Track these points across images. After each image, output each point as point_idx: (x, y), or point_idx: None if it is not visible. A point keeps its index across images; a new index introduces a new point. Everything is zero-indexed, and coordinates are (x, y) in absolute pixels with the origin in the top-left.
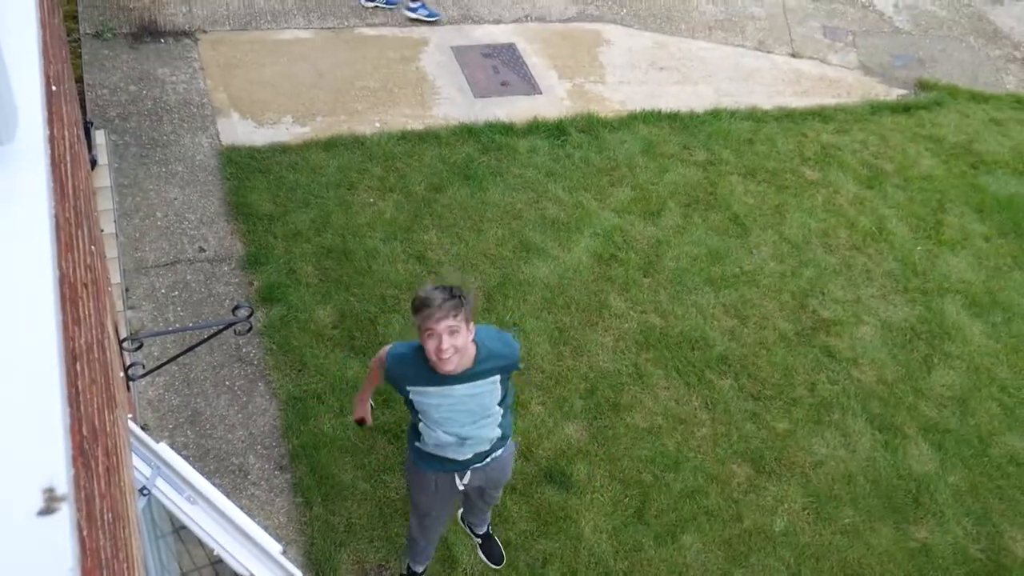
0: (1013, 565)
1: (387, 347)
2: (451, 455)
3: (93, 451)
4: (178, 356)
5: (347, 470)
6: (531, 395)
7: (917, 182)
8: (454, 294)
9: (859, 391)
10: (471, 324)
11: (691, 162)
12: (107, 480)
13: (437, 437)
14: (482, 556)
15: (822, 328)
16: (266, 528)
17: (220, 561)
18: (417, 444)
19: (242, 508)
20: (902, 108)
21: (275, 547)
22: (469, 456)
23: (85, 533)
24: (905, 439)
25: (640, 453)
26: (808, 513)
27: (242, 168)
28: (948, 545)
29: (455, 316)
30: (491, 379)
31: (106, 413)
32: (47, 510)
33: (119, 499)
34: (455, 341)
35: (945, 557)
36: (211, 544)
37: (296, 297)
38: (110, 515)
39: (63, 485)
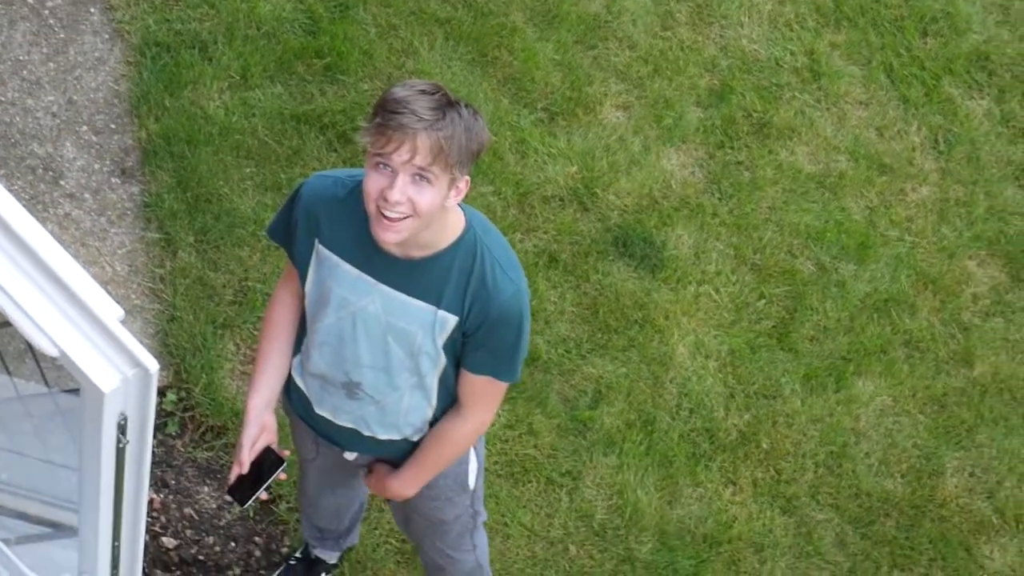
0: None
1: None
2: (324, 408)
3: None
4: None
5: (246, 189)
6: (606, 89)
7: None
8: (451, 110)
9: None
10: (461, 188)
11: None
12: None
13: (317, 353)
14: None
15: None
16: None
17: (6, 324)
18: (298, 354)
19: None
20: None
21: (112, 311)
22: (349, 425)
23: None
24: None
25: (796, 221)
26: None
27: None
28: None
29: (436, 152)
30: (433, 312)
31: None
32: None
33: None
34: (417, 195)
35: None
36: None
37: None
38: None
39: None
